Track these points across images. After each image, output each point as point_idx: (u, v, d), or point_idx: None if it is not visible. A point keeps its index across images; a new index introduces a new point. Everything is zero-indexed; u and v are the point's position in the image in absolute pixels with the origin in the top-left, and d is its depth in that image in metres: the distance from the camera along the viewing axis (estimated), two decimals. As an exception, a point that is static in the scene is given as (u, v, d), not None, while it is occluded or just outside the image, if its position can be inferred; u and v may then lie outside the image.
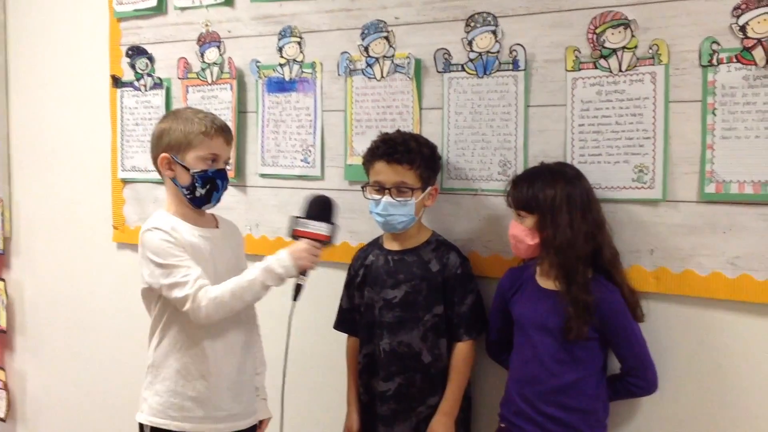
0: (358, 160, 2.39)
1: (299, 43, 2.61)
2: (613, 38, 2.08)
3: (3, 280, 3.52)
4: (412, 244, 2.26)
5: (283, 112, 2.66)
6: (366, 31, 2.46)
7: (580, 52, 2.12)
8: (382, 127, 2.43)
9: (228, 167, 2.15)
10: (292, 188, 2.66)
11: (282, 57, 2.65)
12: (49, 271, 3.40)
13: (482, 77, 2.28)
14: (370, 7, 2.46)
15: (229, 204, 2.59)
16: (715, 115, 1.97)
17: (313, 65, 2.59)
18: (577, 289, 1.93)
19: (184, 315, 1.99)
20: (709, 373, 2.02)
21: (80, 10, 3.18)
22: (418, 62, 2.38)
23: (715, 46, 1.95)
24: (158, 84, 2.95)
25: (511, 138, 2.25)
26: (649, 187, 2.05)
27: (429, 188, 2.22)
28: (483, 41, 2.27)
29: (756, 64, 1.91)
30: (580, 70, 2.13)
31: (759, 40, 1.90)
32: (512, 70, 2.23)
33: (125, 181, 3.07)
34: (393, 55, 2.42)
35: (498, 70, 2.25)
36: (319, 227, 2.03)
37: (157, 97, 2.95)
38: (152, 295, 2.07)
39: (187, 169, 2.05)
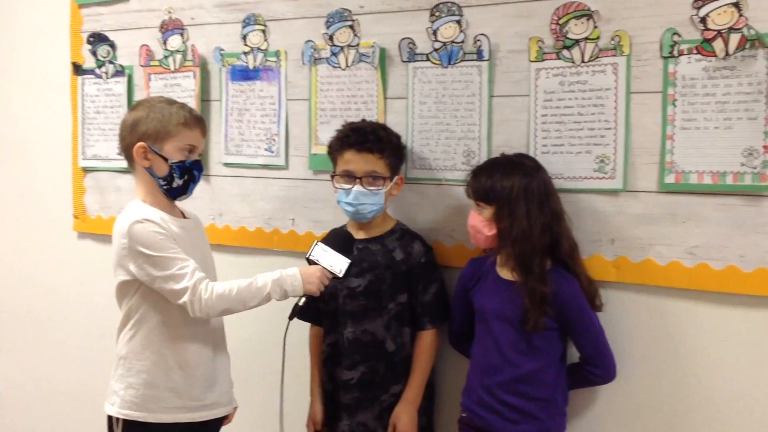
0: (322, 150, 2.38)
1: (263, 31, 2.59)
2: (576, 29, 2.09)
3: (-39, 270, 3.45)
4: (376, 233, 2.26)
5: (247, 100, 2.64)
6: (331, 20, 2.44)
7: (543, 43, 2.14)
8: (347, 116, 2.42)
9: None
10: (256, 177, 2.64)
11: (246, 45, 2.62)
12: (8, 261, 3.34)
13: (447, 67, 2.28)
14: (335, -5, 2.45)
15: (193, 193, 2.55)
16: (675, 106, 1.99)
17: (277, 54, 2.57)
18: (533, 280, 1.94)
19: (165, 308, 1.98)
20: (666, 360, 2.05)
21: (40, -5, 3.12)
22: (382, 51, 2.37)
23: (676, 38, 1.97)
24: (120, 71, 2.90)
25: (475, 128, 2.25)
26: (610, 177, 2.07)
27: (396, 177, 2.23)
28: (448, 31, 2.27)
29: (716, 56, 1.93)
30: (543, 60, 2.14)
31: (719, 32, 1.92)
32: (476, 60, 2.23)
33: (86, 170, 3.02)
34: (358, 44, 2.41)
35: (462, 60, 2.25)
36: (339, 262, 2.05)
37: (119, 85, 2.91)
38: (129, 288, 2.03)
39: (165, 159, 2.03)
